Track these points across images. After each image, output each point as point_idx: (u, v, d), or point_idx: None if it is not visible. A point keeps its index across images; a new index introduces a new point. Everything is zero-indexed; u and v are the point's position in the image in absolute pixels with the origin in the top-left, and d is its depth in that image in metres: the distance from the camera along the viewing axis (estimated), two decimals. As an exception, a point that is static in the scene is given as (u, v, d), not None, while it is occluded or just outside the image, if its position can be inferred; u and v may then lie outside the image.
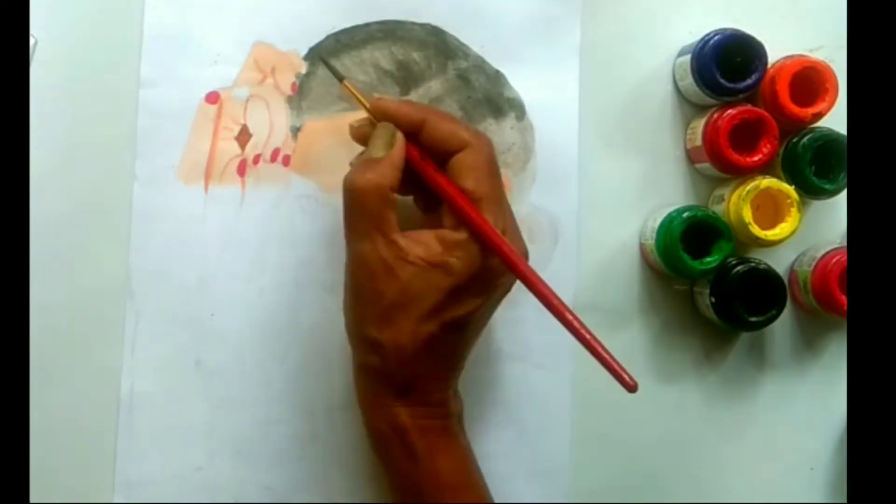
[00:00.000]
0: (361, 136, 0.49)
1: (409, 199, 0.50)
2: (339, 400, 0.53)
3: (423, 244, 0.45)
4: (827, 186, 0.53)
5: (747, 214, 0.52)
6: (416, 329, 0.45)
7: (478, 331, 0.49)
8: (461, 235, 0.46)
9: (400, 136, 0.47)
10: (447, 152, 0.47)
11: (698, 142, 0.54)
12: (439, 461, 0.47)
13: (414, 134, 0.47)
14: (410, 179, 0.47)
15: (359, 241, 0.46)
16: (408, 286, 0.45)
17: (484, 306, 0.47)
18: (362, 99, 0.49)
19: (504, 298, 0.49)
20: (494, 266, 0.46)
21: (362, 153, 0.48)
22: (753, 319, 0.52)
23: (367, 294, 0.46)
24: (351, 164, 0.49)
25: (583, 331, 0.44)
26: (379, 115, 0.48)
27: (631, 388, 0.43)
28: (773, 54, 0.53)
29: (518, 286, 0.47)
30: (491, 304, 0.48)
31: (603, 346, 0.44)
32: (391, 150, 0.46)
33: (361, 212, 0.46)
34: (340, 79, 0.50)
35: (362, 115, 0.50)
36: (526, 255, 0.48)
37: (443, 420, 0.48)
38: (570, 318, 0.44)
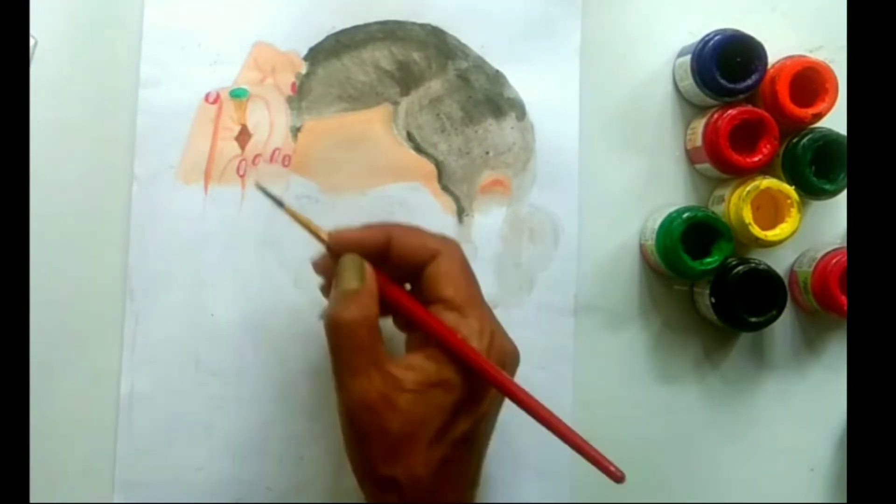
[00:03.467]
0: (326, 269, 0.47)
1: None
2: (339, 400, 0.53)
3: (415, 369, 0.43)
4: (827, 187, 0.53)
5: (747, 215, 0.52)
6: (428, 456, 0.43)
7: (487, 439, 0.47)
8: None
9: (368, 266, 0.45)
10: (418, 264, 0.46)
11: (698, 142, 0.54)
12: None
13: (380, 254, 0.46)
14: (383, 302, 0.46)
15: (354, 379, 0.43)
16: (411, 414, 0.43)
17: (489, 412, 0.45)
18: (320, 233, 0.46)
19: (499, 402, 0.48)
20: None
21: (336, 288, 0.45)
22: (753, 320, 0.52)
23: (370, 432, 0.43)
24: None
25: (573, 435, 0.44)
26: (341, 248, 0.46)
27: (618, 479, 0.43)
28: (773, 54, 0.53)
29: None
30: (494, 409, 0.46)
31: (591, 446, 0.44)
32: (365, 281, 0.44)
33: (354, 348, 0.43)
34: (280, 204, 0.47)
35: (363, 117, 0.50)
36: (516, 354, 0.46)
37: None
38: (560, 426, 0.44)
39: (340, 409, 0.45)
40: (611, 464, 0.43)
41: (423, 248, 0.46)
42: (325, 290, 0.48)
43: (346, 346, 0.44)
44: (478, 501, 0.49)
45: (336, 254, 0.46)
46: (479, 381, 0.44)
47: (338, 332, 0.44)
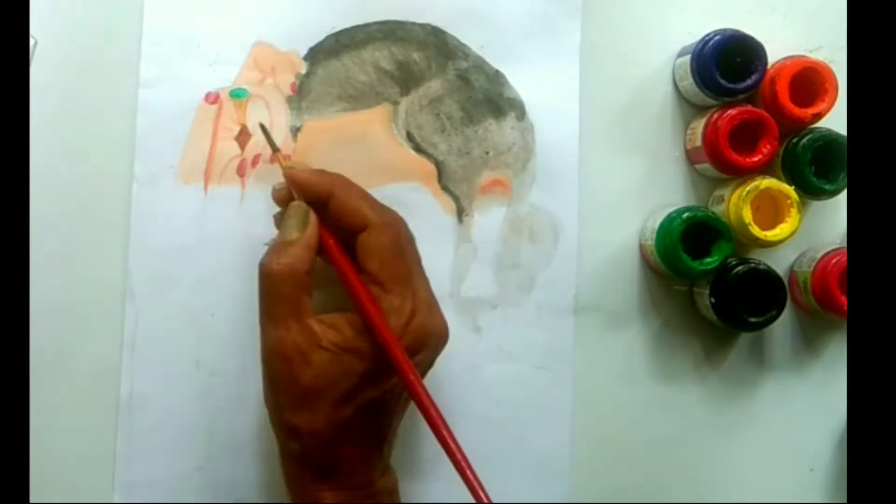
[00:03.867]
0: (282, 199, 0.48)
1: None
2: (339, 400, 0.53)
3: (335, 329, 0.45)
4: (827, 187, 0.53)
5: (747, 215, 0.52)
6: (332, 414, 0.45)
7: (399, 407, 0.48)
8: None
9: (313, 217, 0.47)
10: (351, 229, 0.47)
11: (698, 142, 0.54)
12: None
13: (321, 206, 0.47)
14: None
15: (274, 328, 0.45)
16: (322, 372, 0.44)
17: (400, 385, 0.46)
18: (282, 160, 0.49)
19: (433, 364, 0.48)
20: (408, 346, 0.45)
21: (278, 235, 0.47)
22: (753, 320, 0.52)
23: (282, 381, 0.45)
24: (266, 245, 0.48)
25: (452, 446, 0.43)
26: (289, 182, 0.48)
27: None
28: (773, 54, 0.53)
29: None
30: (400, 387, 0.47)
31: (468, 464, 0.42)
32: (305, 232, 0.46)
33: (277, 297, 0.45)
34: (275, 149, 0.50)
35: (363, 117, 0.50)
36: (442, 332, 0.47)
37: (368, 500, 0.47)
38: (445, 434, 0.43)
39: (261, 354, 0.46)
40: (483, 491, 0.42)
41: (356, 214, 0.47)
42: (276, 220, 0.50)
43: (270, 294, 0.46)
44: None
45: (288, 186, 0.48)
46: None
47: (265, 280, 0.46)
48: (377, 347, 0.45)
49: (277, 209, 0.51)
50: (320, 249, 0.47)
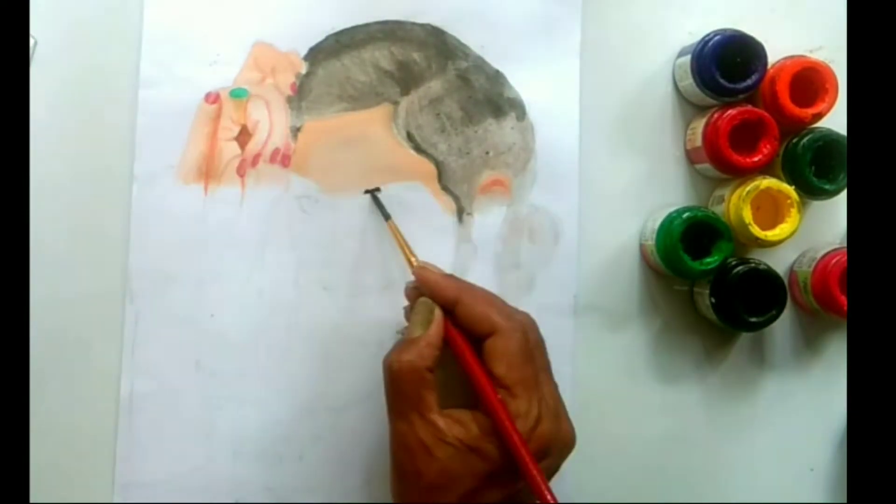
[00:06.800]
0: (412, 296, 0.49)
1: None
2: (339, 400, 0.53)
3: (461, 424, 0.45)
4: (827, 187, 0.53)
5: (747, 215, 0.52)
6: None
7: None
8: None
9: (439, 314, 0.47)
10: (479, 334, 0.47)
11: (698, 142, 0.54)
12: None
13: (449, 310, 0.47)
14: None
15: (398, 421, 0.46)
16: (446, 468, 0.44)
17: (519, 494, 0.46)
18: (410, 255, 0.49)
19: (558, 470, 0.47)
20: (533, 451, 0.45)
21: (405, 331, 0.48)
22: (753, 320, 0.52)
23: (406, 472, 0.46)
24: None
25: None
26: (418, 281, 0.48)
27: None
28: (773, 55, 0.53)
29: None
30: (525, 492, 0.46)
31: None
32: (429, 329, 0.46)
33: (400, 392, 0.46)
34: (387, 217, 0.50)
35: (363, 117, 0.50)
36: (568, 439, 0.47)
37: None
38: None
39: (389, 445, 0.47)
40: None
41: (485, 320, 0.46)
42: (406, 313, 0.50)
43: (393, 389, 0.46)
44: None
45: (416, 285, 0.49)
46: (516, 463, 0.44)
47: (387, 375, 0.46)
48: (502, 450, 0.44)
49: (277, 209, 0.51)
50: (449, 346, 0.47)
